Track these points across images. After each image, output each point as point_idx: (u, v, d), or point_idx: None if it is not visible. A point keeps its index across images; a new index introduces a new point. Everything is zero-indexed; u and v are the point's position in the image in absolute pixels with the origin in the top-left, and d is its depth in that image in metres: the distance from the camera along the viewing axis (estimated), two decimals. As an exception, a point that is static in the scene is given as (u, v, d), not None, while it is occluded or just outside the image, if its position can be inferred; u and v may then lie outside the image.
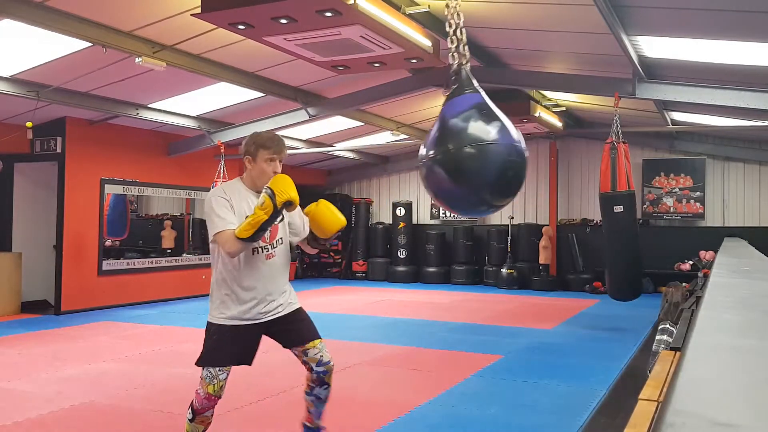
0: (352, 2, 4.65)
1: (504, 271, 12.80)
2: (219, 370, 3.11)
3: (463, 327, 8.13)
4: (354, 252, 14.51)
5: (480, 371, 5.67)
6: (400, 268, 13.89)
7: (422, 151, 3.18)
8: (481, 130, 2.98)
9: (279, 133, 11.83)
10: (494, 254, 13.31)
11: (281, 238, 3.22)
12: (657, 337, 4.99)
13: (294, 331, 3.27)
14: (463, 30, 3.42)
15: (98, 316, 8.78)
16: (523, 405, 4.65)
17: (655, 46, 6.38)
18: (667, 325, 5.04)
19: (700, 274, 8.11)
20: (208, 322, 3.19)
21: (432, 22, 5.97)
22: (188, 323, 8.32)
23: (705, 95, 6.99)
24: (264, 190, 2.92)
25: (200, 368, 3.15)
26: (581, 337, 7.49)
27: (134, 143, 10.13)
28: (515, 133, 3.03)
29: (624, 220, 7.53)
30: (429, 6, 5.71)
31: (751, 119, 8.74)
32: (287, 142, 11.84)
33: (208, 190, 10.18)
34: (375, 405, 4.69)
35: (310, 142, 12.20)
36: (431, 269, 13.70)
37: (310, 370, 3.28)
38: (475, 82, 3.25)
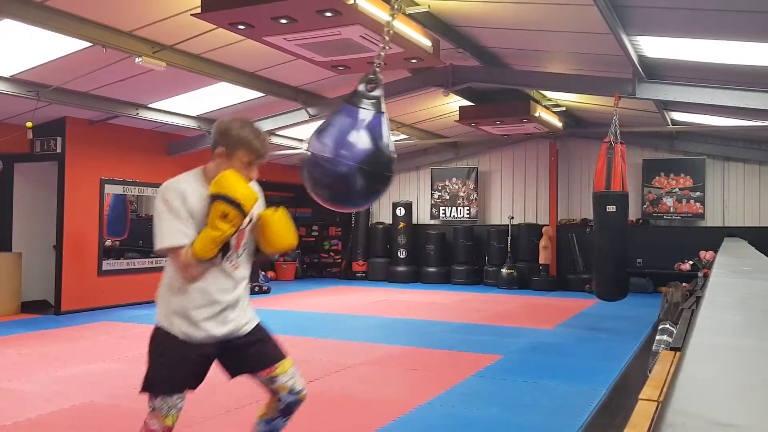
0: (352, 2, 4.65)
1: (504, 271, 12.79)
2: (178, 397, 2.56)
3: (463, 327, 8.13)
4: (354, 252, 14.51)
5: (480, 371, 5.67)
6: (400, 268, 13.89)
7: (313, 145, 3.02)
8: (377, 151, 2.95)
9: (279, 133, 11.83)
10: (494, 254, 13.31)
11: (247, 243, 2.69)
12: (657, 337, 5.00)
13: (256, 352, 2.70)
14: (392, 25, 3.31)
15: (98, 316, 8.78)
16: (523, 405, 4.65)
17: (655, 46, 6.37)
18: (667, 325, 5.04)
19: (700, 274, 8.11)
20: (156, 329, 2.61)
21: (432, 22, 5.97)
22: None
23: (705, 95, 6.99)
24: (218, 197, 2.45)
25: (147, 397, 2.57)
26: (581, 337, 7.48)
27: (134, 143, 10.13)
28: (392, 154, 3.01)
29: (615, 220, 7.58)
30: (429, 6, 5.71)
31: (751, 119, 8.74)
32: (287, 142, 11.80)
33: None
34: (375, 405, 4.69)
35: (310, 142, 12.18)
36: (431, 269, 13.70)
37: (278, 399, 2.71)
38: (382, 102, 3.13)
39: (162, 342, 2.59)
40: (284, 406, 2.71)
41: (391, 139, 3.09)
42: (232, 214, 2.44)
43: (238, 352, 2.69)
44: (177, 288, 2.57)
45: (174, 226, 2.50)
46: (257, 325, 2.75)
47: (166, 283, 2.63)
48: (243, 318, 2.68)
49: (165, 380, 2.57)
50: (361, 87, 3.01)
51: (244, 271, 2.69)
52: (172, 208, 2.52)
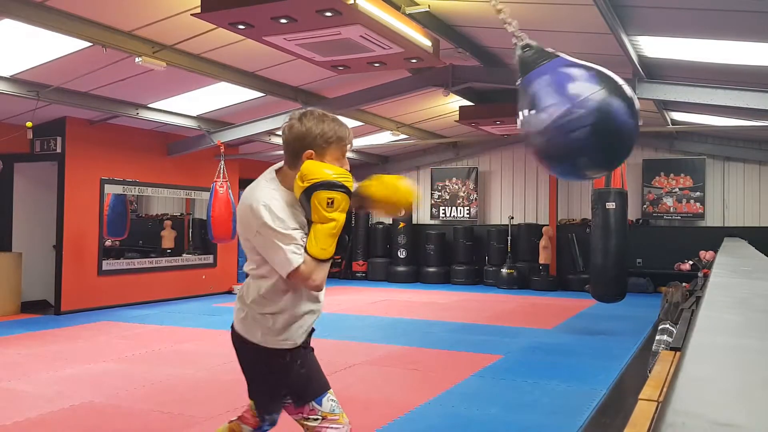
0: (352, 2, 4.65)
1: (504, 271, 12.79)
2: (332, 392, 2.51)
3: (463, 327, 8.13)
4: (354, 252, 14.51)
5: (480, 371, 5.67)
6: (400, 268, 13.89)
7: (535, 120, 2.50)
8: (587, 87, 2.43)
9: (279, 133, 11.88)
10: (494, 254, 13.31)
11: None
12: (657, 337, 5.00)
13: None
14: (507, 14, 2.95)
15: (98, 316, 8.78)
16: (523, 405, 4.65)
17: (655, 46, 6.37)
18: (667, 325, 5.04)
19: (700, 274, 8.10)
20: (271, 351, 2.39)
21: (432, 22, 5.96)
22: (188, 323, 8.32)
23: (705, 95, 6.99)
24: (316, 187, 2.18)
25: (309, 406, 2.44)
26: (581, 337, 7.48)
27: (134, 143, 10.13)
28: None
29: (615, 219, 7.53)
30: (429, 6, 5.70)
31: (751, 119, 8.74)
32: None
33: (208, 190, 10.17)
34: (375, 405, 4.69)
35: (310, 142, 12.19)
36: (431, 269, 13.70)
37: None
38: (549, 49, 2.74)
39: (289, 357, 2.42)
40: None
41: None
42: (338, 198, 2.20)
43: None
44: (286, 296, 2.43)
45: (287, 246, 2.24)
46: None
47: (275, 305, 2.41)
48: None
49: (319, 378, 2.48)
50: (525, 52, 2.63)
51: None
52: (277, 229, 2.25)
